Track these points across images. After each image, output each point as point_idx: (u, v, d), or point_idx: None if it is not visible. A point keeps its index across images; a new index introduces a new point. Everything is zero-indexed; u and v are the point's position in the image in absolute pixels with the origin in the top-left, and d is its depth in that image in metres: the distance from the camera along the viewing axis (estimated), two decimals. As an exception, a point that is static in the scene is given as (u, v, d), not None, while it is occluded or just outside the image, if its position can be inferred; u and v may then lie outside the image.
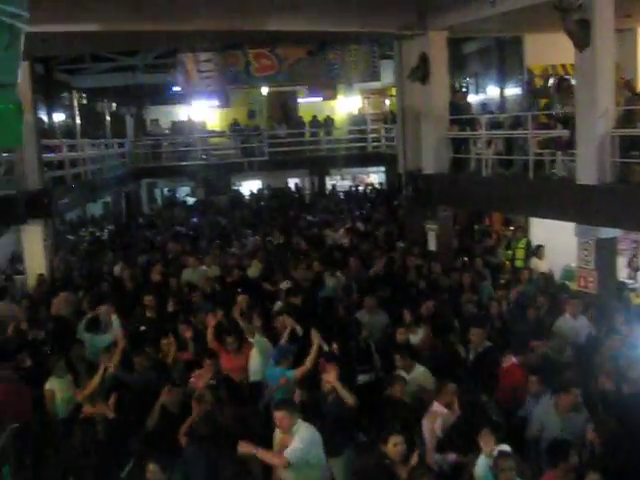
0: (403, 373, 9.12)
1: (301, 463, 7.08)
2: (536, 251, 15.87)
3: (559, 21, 12.18)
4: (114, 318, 11.90)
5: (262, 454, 7.17)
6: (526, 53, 20.08)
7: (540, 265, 15.56)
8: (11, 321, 12.40)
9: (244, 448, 7.06)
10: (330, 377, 8.28)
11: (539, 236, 16.75)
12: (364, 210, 26.23)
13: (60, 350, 10.52)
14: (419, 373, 9.28)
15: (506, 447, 6.97)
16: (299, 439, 7.11)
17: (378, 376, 10.24)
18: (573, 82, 13.83)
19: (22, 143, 2.78)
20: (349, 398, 8.23)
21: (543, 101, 16.01)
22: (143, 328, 11.88)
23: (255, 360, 10.27)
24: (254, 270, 15.74)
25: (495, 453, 6.83)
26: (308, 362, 9.27)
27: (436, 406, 8.15)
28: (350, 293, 13.51)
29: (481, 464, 6.85)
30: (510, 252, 17.26)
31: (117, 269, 16.48)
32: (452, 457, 7.57)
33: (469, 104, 18.44)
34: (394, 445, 6.90)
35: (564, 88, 14.64)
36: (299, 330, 10.69)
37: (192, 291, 13.49)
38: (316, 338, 9.56)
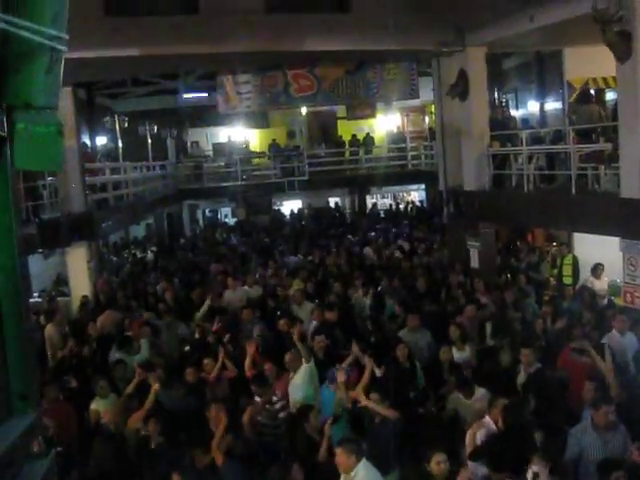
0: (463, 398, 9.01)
1: None
2: (594, 270, 15.34)
3: (599, 33, 12.06)
4: (143, 342, 11.89)
5: None
6: (566, 67, 19.94)
7: (597, 285, 14.93)
8: (57, 342, 12.54)
9: None
10: (362, 399, 8.16)
11: (583, 252, 16.52)
12: (405, 228, 26.14)
13: (103, 370, 10.63)
14: (481, 395, 9.05)
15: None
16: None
17: (422, 395, 10.13)
18: (612, 95, 13.67)
19: (62, 167, 2.81)
20: (388, 412, 8.15)
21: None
22: (187, 348, 11.92)
23: (307, 383, 10.11)
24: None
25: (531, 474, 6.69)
26: (360, 387, 9.14)
27: (487, 419, 8.04)
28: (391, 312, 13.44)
29: None
30: (556, 269, 16.98)
31: (159, 289, 16.60)
32: (482, 471, 7.42)
33: (510, 119, 18.31)
34: (437, 464, 6.83)
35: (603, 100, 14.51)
36: (368, 362, 9.92)
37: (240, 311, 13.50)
38: (369, 363, 9.42)
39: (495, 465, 7.23)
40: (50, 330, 13.74)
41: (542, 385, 9.42)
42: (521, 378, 9.87)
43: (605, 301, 14.01)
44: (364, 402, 8.19)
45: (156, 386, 9.39)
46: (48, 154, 2.14)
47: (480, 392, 9.08)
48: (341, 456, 6.90)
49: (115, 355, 11.56)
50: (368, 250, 20.78)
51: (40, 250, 16.63)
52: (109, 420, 9.23)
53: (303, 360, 9.90)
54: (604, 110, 15.54)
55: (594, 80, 19.00)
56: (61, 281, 20.31)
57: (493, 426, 7.92)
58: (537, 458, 6.62)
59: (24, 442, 2.25)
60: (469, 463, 7.49)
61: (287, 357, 10.07)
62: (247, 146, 35.76)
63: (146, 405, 9.19)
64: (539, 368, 9.90)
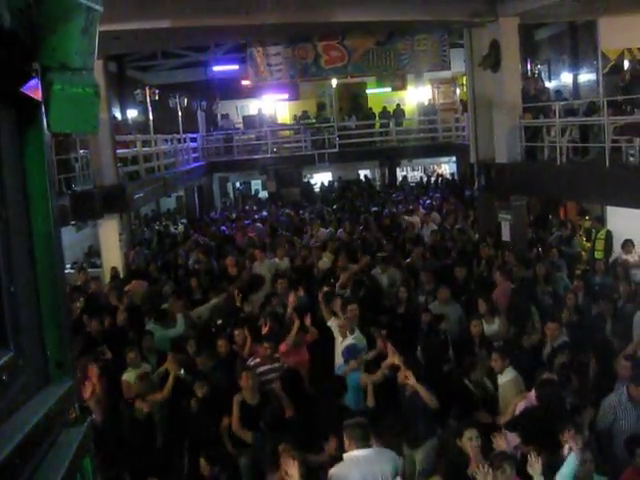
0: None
1: None
2: (623, 245, 15.08)
3: (635, 2, 11.84)
4: (179, 316, 11.85)
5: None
6: (600, 37, 19.60)
7: (629, 259, 14.56)
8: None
9: None
10: (411, 381, 8.16)
11: (617, 225, 16.33)
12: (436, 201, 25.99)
13: (133, 341, 10.72)
14: (513, 376, 8.89)
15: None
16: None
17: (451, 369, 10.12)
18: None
19: (98, 129, 2.80)
20: (431, 400, 8.12)
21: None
22: (220, 322, 11.95)
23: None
24: (326, 262, 15.71)
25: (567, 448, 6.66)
26: (380, 373, 9.11)
27: (532, 393, 8.02)
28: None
29: (571, 461, 6.56)
30: (589, 244, 16.80)
31: (191, 262, 16.66)
32: (515, 441, 7.39)
33: (544, 91, 18.06)
34: (469, 439, 6.84)
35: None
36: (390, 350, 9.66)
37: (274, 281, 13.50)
38: (391, 352, 9.17)
39: (526, 437, 7.21)
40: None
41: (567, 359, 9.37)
42: (547, 350, 9.85)
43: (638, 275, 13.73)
44: (414, 385, 8.11)
45: (176, 373, 9.40)
46: (85, 116, 2.13)
47: (511, 374, 8.87)
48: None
49: (152, 326, 11.61)
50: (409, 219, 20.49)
51: (72, 222, 16.75)
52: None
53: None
54: (622, 81, 15.28)
55: (629, 51, 18.67)
56: (93, 253, 20.50)
57: (534, 401, 7.90)
58: (571, 433, 6.56)
59: (60, 409, 2.27)
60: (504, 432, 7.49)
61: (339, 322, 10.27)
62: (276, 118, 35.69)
63: (164, 392, 9.29)
64: (565, 342, 9.85)
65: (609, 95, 15.31)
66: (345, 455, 6.72)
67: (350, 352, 9.52)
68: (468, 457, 6.82)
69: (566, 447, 6.65)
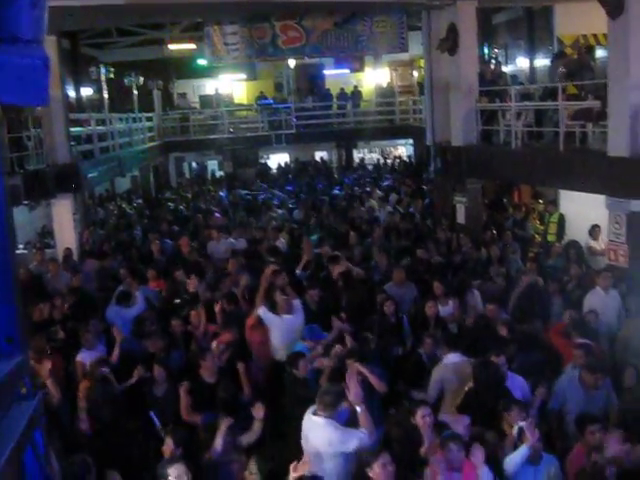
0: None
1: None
2: (591, 231, 14.71)
3: (591, -11, 11.96)
4: (138, 294, 11.80)
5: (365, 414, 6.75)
6: (556, 23, 19.83)
7: (595, 246, 14.55)
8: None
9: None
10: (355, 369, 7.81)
11: (569, 209, 16.56)
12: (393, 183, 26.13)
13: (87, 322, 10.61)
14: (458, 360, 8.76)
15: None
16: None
17: (408, 350, 10.20)
18: (602, 52, 13.55)
19: (48, 101, 2.73)
20: (380, 385, 8.12)
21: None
22: (177, 301, 11.89)
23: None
24: (283, 242, 15.74)
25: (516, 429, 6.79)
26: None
27: None
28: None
29: (524, 452, 6.65)
30: (542, 228, 17.03)
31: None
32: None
33: (502, 75, 18.18)
34: (422, 417, 6.90)
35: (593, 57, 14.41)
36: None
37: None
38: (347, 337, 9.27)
39: (472, 418, 7.36)
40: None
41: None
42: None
43: (605, 260, 13.71)
44: (362, 370, 8.01)
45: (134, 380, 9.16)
46: (34, 88, 2.10)
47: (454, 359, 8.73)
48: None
49: (114, 309, 11.55)
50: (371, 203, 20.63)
51: (25, 202, 16.49)
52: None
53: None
54: (564, 67, 15.40)
55: (584, 37, 18.91)
56: (46, 233, 20.22)
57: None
58: (528, 423, 6.65)
59: (11, 383, 2.25)
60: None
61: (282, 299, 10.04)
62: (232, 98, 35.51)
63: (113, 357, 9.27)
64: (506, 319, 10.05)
65: (552, 81, 15.51)
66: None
67: (313, 333, 9.52)
68: (420, 435, 6.90)
69: (515, 428, 6.78)
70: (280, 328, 9.85)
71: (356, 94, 33.79)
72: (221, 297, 11.01)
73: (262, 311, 9.91)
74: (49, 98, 2.26)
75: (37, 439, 2.37)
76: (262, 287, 10.30)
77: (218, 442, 6.88)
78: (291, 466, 6.24)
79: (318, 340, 9.48)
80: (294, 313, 10.01)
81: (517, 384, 8.06)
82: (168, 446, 6.86)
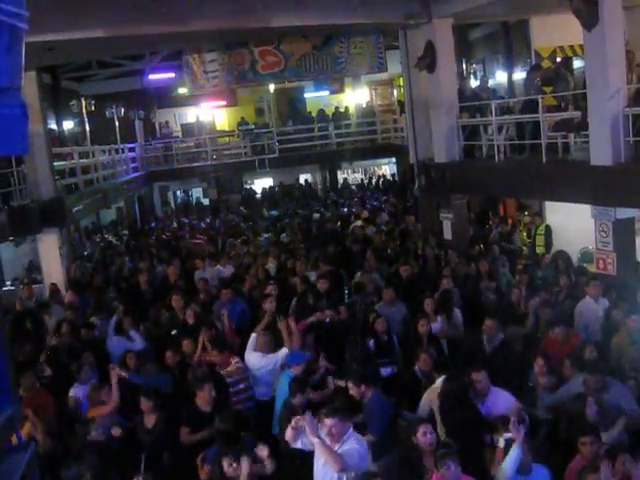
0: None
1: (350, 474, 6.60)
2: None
3: (565, 1, 12.04)
4: (132, 333, 11.67)
5: (323, 447, 6.59)
6: (533, 36, 19.93)
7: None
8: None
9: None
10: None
11: (555, 220, 16.61)
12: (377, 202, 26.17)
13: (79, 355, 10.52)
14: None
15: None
16: (354, 450, 6.69)
17: (400, 369, 10.17)
18: (579, 63, 13.64)
19: (28, 150, 2.71)
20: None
21: (549, 89, 15.71)
22: (174, 332, 11.77)
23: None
24: (272, 267, 15.70)
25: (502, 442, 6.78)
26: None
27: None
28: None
29: (516, 453, 6.63)
30: (530, 240, 17.08)
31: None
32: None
33: (486, 89, 18.24)
34: (423, 434, 6.88)
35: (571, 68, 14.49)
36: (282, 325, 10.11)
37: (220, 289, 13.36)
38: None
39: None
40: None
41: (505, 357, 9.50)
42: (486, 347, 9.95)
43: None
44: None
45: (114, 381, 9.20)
46: (13, 137, 2.07)
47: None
48: (335, 425, 6.71)
49: (113, 338, 11.63)
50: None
51: (11, 238, 16.41)
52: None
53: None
54: (539, 79, 15.47)
55: (561, 48, 19.03)
56: (33, 268, 20.10)
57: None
58: (514, 424, 6.63)
59: (1, 436, 2.21)
60: None
61: (264, 337, 10.00)
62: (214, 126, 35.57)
63: (112, 399, 9.10)
64: (502, 340, 9.98)
65: (527, 93, 15.63)
66: None
67: (295, 358, 9.45)
68: (420, 453, 6.89)
69: (501, 441, 6.76)
70: (266, 367, 9.83)
71: (337, 115, 33.82)
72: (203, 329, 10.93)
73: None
74: (28, 147, 2.23)
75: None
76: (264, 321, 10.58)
77: None
78: (293, 420, 6.93)
79: (301, 362, 9.38)
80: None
81: (502, 399, 7.97)
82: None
